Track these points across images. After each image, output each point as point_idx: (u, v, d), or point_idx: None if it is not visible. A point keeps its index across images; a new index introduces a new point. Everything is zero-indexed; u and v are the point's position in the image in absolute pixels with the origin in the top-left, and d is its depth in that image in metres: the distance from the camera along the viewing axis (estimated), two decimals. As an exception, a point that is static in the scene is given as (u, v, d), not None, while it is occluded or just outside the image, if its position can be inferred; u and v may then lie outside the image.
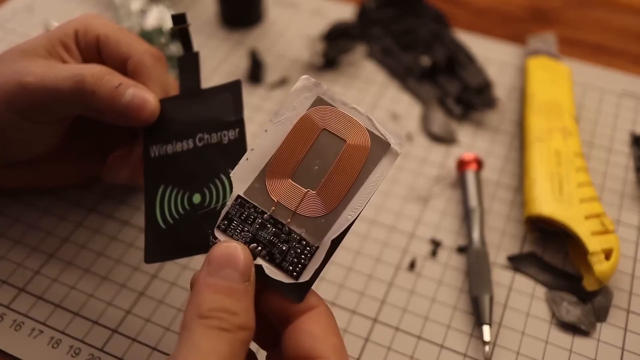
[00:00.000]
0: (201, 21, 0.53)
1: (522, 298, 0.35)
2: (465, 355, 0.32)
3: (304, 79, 0.27)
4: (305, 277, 0.25)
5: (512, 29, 0.53)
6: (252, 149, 0.26)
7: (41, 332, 0.33)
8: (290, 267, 0.25)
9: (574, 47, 0.52)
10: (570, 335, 0.33)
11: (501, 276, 0.36)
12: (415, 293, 0.35)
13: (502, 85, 0.48)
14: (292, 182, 0.26)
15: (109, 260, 0.36)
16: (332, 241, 0.25)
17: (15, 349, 0.32)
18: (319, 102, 0.27)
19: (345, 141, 0.26)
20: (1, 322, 0.33)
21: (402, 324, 0.34)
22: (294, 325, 0.25)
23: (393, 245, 0.37)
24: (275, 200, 0.26)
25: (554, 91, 0.43)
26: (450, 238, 0.38)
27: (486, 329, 0.32)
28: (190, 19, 0.53)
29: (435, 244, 0.37)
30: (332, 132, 0.26)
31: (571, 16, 0.55)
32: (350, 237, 0.37)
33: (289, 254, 0.25)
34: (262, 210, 0.25)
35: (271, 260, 0.25)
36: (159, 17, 0.47)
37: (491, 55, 0.50)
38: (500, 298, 0.35)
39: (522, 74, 0.48)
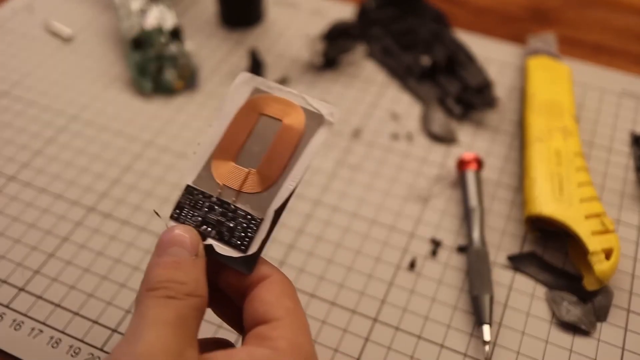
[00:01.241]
0: (201, 21, 0.53)
1: (522, 298, 0.35)
2: (465, 355, 0.32)
3: (242, 75, 0.29)
4: (252, 249, 0.26)
5: (512, 28, 0.53)
6: (198, 143, 0.28)
7: (41, 331, 0.33)
8: (238, 242, 0.26)
9: (574, 46, 0.52)
10: (570, 335, 0.33)
11: (501, 276, 0.36)
12: (416, 293, 0.35)
13: (502, 85, 0.48)
14: (235, 165, 0.27)
15: (109, 260, 0.36)
16: (275, 211, 0.26)
17: (15, 349, 0.32)
18: (257, 91, 0.29)
19: (282, 121, 0.28)
20: (1, 322, 0.33)
21: (402, 324, 0.34)
22: (249, 297, 0.25)
23: (393, 245, 0.37)
24: (221, 184, 0.27)
25: (554, 91, 0.43)
26: (450, 238, 0.37)
27: (486, 328, 0.32)
28: (190, 18, 0.54)
29: (436, 244, 0.37)
30: (269, 116, 0.28)
31: (571, 16, 0.55)
32: (350, 237, 0.37)
33: (236, 230, 0.26)
34: (209, 195, 0.27)
35: (220, 239, 0.26)
36: (159, 17, 0.47)
37: (491, 55, 0.50)
38: (500, 298, 0.35)
39: (522, 73, 0.48)
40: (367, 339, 0.33)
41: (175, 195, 0.39)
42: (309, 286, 0.35)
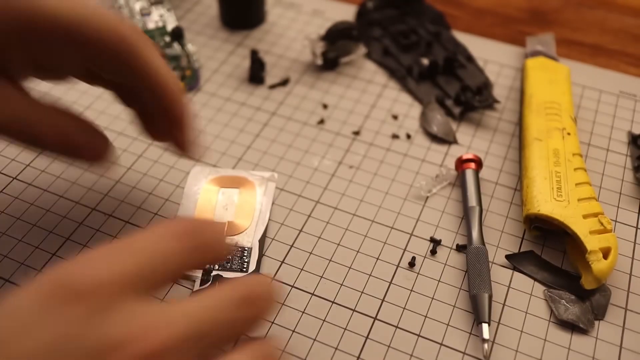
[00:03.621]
0: (203, 23, 0.53)
1: (520, 296, 0.35)
2: (464, 353, 0.33)
3: (197, 167, 0.41)
4: (252, 269, 0.35)
5: (511, 30, 0.54)
6: (178, 213, 0.38)
7: None
8: (239, 267, 0.35)
9: (573, 48, 0.52)
10: (568, 333, 0.33)
11: (500, 275, 0.36)
12: (415, 291, 0.35)
13: (501, 85, 0.48)
14: (214, 220, 0.37)
15: (111, 259, 0.36)
16: (259, 240, 0.37)
17: None
18: (212, 174, 0.40)
19: (239, 188, 0.39)
20: (4, 320, 0.33)
21: (402, 322, 0.34)
22: None
23: (393, 244, 0.37)
24: None
25: (552, 91, 0.44)
26: (449, 237, 0.38)
27: (485, 327, 0.32)
28: (192, 20, 0.54)
29: (435, 243, 0.37)
30: (228, 187, 0.39)
31: (570, 17, 0.55)
32: (350, 236, 0.38)
33: (234, 259, 0.36)
34: None
35: (224, 269, 0.35)
36: (161, 18, 0.47)
37: (490, 56, 0.50)
38: (499, 296, 0.35)
39: (521, 74, 0.48)
40: (367, 337, 0.33)
41: (176, 195, 0.40)
42: (309, 285, 0.35)
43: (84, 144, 0.31)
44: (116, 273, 0.21)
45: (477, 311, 0.33)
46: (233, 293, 0.23)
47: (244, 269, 0.35)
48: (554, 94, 0.43)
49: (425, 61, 0.49)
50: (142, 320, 0.21)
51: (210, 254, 0.25)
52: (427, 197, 0.40)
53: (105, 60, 0.29)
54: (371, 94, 0.47)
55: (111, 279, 0.21)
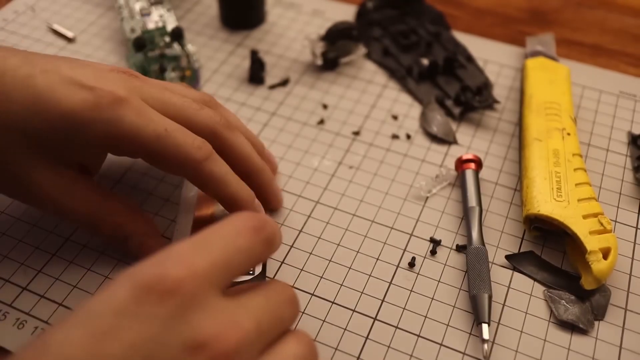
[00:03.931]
0: (203, 23, 0.53)
1: (520, 297, 0.35)
2: (464, 353, 0.33)
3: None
4: (257, 271, 0.35)
5: (511, 30, 0.54)
6: (175, 222, 0.38)
7: (44, 330, 0.33)
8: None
9: (573, 48, 0.52)
10: (568, 333, 0.33)
11: (500, 275, 0.36)
12: (415, 292, 0.35)
13: (501, 86, 0.48)
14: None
15: (111, 259, 0.36)
16: None
17: (18, 347, 0.32)
18: None
19: None
20: (4, 321, 0.33)
21: (402, 323, 0.34)
22: None
23: (392, 244, 0.37)
24: None
25: (552, 92, 0.44)
26: (449, 237, 0.38)
27: (485, 327, 0.32)
28: (192, 20, 0.54)
29: (435, 243, 0.37)
30: None
31: (569, 17, 0.55)
32: (350, 237, 0.38)
33: None
34: None
35: None
36: (161, 18, 0.47)
37: (490, 56, 0.50)
38: (499, 297, 0.35)
39: (521, 74, 0.48)
40: (367, 338, 0.33)
41: (176, 196, 0.40)
42: (309, 285, 0.35)
43: (132, 236, 0.34)
44: (197, 270, 0.23)
45: (477, 311, 0.33)
46: (284, 293, 0.26)
47: (251, 272, 0.35)
48: (554, 94, 0.43)
49: (425, 61, 0.49)
50: (218, 320, 0.22)
51: (273, 246, 0.27)
52: (427, 198, 0.40)
53: (173, 171, 0.34)
54: (371, 94, 0.47)
55: (193, 275, 0.22)
